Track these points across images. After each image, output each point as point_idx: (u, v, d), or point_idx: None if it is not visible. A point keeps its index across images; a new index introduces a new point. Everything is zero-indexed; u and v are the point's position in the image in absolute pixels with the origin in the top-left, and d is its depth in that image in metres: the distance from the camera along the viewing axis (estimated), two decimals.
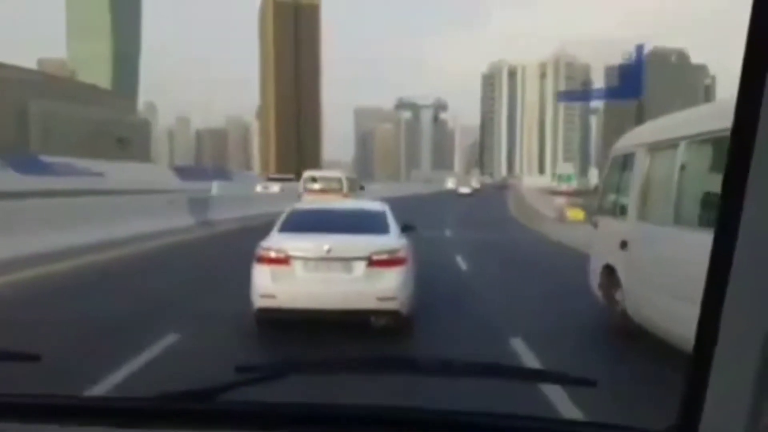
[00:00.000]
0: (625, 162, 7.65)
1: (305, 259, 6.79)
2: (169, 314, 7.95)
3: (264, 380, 1.40)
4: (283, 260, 6.78)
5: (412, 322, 6.99)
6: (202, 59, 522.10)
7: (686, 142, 5.97)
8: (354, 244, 6.94)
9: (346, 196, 24.14)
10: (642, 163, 6.97)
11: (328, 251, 6.75)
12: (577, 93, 61.91)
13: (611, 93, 54.96)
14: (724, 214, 0.97)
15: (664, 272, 6.12)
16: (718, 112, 5.57)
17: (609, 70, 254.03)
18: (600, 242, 8.34)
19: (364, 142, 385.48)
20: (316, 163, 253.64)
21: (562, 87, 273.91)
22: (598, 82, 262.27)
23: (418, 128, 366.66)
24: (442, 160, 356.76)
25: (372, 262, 6.73)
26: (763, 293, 0.93)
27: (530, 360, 6.08)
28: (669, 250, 6.10)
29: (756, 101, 0.90)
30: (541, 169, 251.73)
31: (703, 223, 5.31)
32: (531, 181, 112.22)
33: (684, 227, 5.75)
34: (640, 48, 51.26)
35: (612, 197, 8.19)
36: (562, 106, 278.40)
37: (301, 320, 6.80)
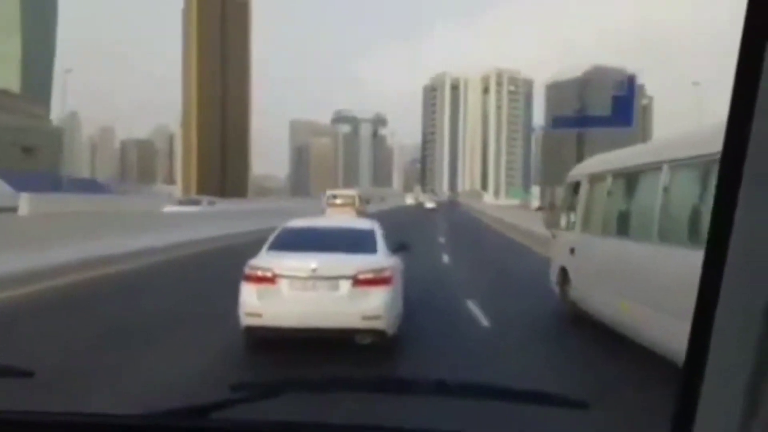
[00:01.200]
0: (575, 188, 10.09)
1: (291, 278, 6.85)
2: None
3: (257, 399, 1.39)
4: (270, 279, 6.86)
5: (398, 342, 7.07)
6: (126, 63, 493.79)
7: (611, 175, 8.57)
8: (340, 263, 7.01)
9: (357, 209, 32.38)
10: (584, 189, 9.57)
11: (314, 270, 6.81)
12: (570, 119, 61.82)
13: (603, 121, 51.05)
14: (717, 224, 0.98)
15: (598, 271, 8.55)
16: (635, 153, 8.70)
17: (550, 88, 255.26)
18: (556, 249, 10.85)
19: (299, 156, 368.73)
20: (242, 179, 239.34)
21: (505, 102, 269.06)
22: (540, 98, 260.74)
23: (356, 143, 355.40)
24: (381, 176, 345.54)
25: (357, 281, 6.79)
26: (753, 311, 0.93)
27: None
28: (600, 254, 8.57)
29: (746, 118, 0.93)
30: (484, 187, 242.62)
31: (622, 233, 7.92)
32: (489, 200, 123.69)
33: (609, 237, 8.33)
34: (631, 79, 49.14)
35: (565, 214, 10.65)
36: (504, 122, 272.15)
37: (287, 339, 6.86)
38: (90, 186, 67.55)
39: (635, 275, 7.11)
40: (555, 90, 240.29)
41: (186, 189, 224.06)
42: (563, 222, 10.68)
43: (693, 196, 6.16)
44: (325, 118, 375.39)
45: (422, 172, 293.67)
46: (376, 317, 6.76)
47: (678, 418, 1.03)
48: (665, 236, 6.40)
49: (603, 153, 10.32)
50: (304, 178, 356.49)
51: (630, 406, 5.04)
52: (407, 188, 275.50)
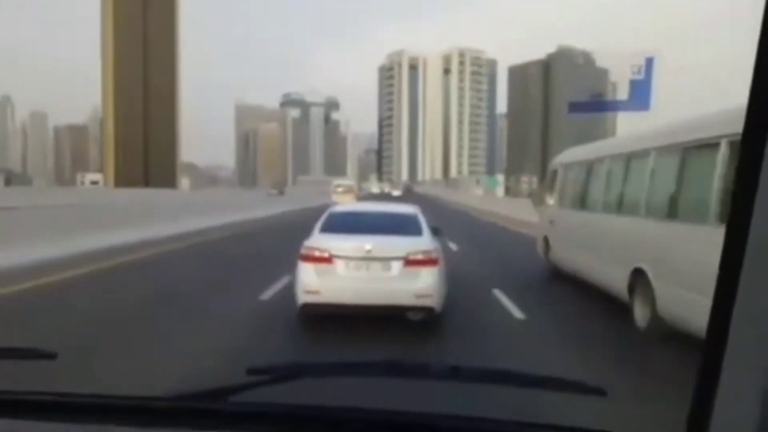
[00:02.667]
0: (554, 174, 13.39)
1: (347, 258, 7.30)
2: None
3: (275, 382, 1.42)
4: (327, 259, 7.32)
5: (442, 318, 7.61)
6: (56, 42, 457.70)
7: (577, 164, 11.81)
8: (392, 244, 7.46)
9: (356, 195, 57.44)
10: (560, 175, 12.82)
11: (369, 251, 7.27)
12: (588, 104, 47.09)
13: (620, 106, 42.52)
14: (735, 216, 0.98)
15: (569, 236, 11.44)
16: (592, 149, 11.77)
17: (513, 70, 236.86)
18: (541, 222, 14.16)
19: (246, 143, 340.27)
20: (169, 168, 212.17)
21: (468, 84, 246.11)
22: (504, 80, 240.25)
23: (306, 129, 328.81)
24: (334, 165, 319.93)
25: (409, 262, 7.27)
26: None
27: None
28: (571, 223, 11.50)
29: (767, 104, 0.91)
30: (446, 175, 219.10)
31: (584, 207, 10.93)
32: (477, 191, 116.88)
33: (576, 210, 11.33)
34: (650, 62, 39.62)
35: (547, 195, 13.67)
36: (467, 105, 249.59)
37: (343, 314, 7.31)
38: None
39: (591, 237, 10.21)
40: (518, 73, 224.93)
41: (107, 178, 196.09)
42: (546, 201, 13.87)
43: (629, 180, 8.98)
44: (274, 102, 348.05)
45: (378, 160, 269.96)
46: (427, 295, 7.23)
47: (695, 410, 1.04)
48: (609, 208, 9.53)
49: (572, 147, 14.53)
50: (252, 166, 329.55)
51: (647, 395, 5.14)
52: (362, 178, 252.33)
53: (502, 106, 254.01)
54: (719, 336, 0.98)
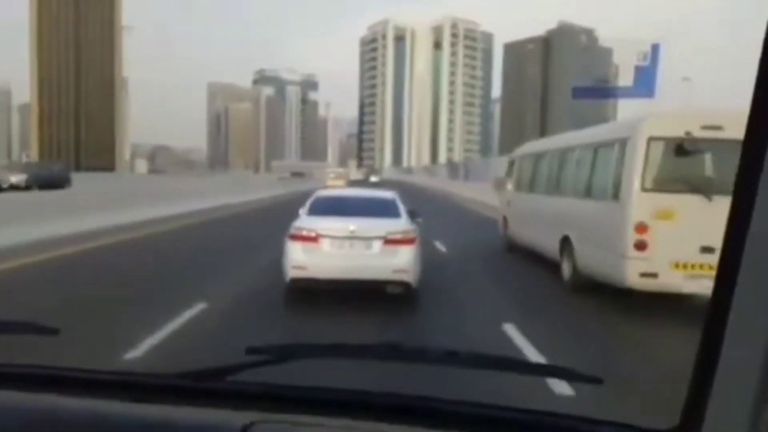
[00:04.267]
0: (512, 163, 16.23)
1: (332, 237, 8.17)
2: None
3: (274, 362, 1.44)
4: (313, 238, 8.16)
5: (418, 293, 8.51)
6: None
7: (528, 156, 14.69)
8: (373, 225, 8.34)
9: (346, 180, 62.50)
10: (516, 164, 15.59)
11: (352, 231, 8.13)
12: (592, 89, 44.79)
13: (625, 92, 41.10)
14: (734, 216, 0.98)
15: (522, 214, 14.12)
16: (540, 143, 15.71)
17: (510, 47, 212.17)
18: (501, 204, 16.60)
19: (217, 124, 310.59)
20: (107, 150, 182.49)
21: (460, 59, 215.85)
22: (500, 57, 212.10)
23: (282, 108, 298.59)
24: (311, 149, 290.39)
25: (388, 241, 8.15)
26: None
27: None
28: (522, 204, 14.27)
29: None
30: (434, 161, 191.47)
31: (533, 190, 13.42)
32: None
33: (526, 193, 14.03)
34: (656, 48, 38.75)
35: (507, 180, 16.14)
36: (460, 83, 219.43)
37: (327, 288, 8.23)
38: None
39: (535, 214, 12.78)
40: (515, 50, 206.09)
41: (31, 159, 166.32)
42: (505, 185, 16.24)
43: (561, 169, 11.71)
44: (249, 81, 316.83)
45: (359, 144, 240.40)
46: (404, 271, 8.10)
47: (691, 399, 1.06)
48: (548, 191, 12.29)
49: (531, 141, 17.53)
50: (223, 149, 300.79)
51: (643, 385, 5.31)
52: (342, 164, 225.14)
53: (498, 86, 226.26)
54: (717, 325, 1.00)
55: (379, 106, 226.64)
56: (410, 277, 8.13)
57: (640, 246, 8.01)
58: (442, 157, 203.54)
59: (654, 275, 7.97)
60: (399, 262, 8.05)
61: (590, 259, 9.31)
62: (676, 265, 7.93)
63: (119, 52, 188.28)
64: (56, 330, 1.59)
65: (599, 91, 45.53)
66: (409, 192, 38.58)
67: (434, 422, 1.27)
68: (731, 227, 1.00)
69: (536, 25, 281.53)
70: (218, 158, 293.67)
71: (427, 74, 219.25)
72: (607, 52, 44.60)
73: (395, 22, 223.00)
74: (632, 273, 8.05)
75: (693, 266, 7.90)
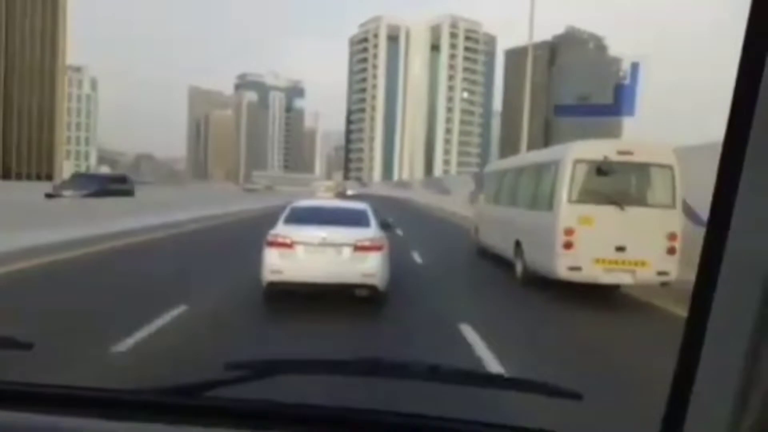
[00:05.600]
0: (482, 179, 22.45)
1: (306, 244, 9.02)
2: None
3: (252, 378, 1.46)
4: (288, 245, 8.99)
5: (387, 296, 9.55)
6: None
7: (495, 172, 18.50)
8: (343, 233, 9.20)
9: (337, 193, 72.72)
10: (488, 179, 19.19)
11: (324, 239, 9.03)
12: (573, 108, 47.86)
13: (606, 110, 42.14)
14: (714, 220, 1.00)
15: (488, 223, 17.30)
16: (504, 162, 20.05)
17: (510, 54, 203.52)
18: (474, 215, 20.90)
19: (197, 132, 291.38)
20: (46, 157, 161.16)
21: (460, 62, 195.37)
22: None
23: (265, 116, 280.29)
24: (296, 160, 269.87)
25: (357, 248, 9.01)
26: (749, 306, 0.96)
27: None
28: (488, 214, 17.52)
29: (750, 104, 0.94)
30: (428, 173, 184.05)
31: (497, 203, 16.67)
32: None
33: (491, 205, 17.44)
34: (635, 67, 38.82)
35: (481, 193, 20.25)
36: (458, 89, 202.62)
37: (301, 291, 9.12)
38: None
39: (497, 222, 15.74)
40: (517, 57, 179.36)
41: None
42: (478, 198, 20.80)
43: (516, 185, 14.66)
44: (231, 87, 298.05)
45: (346, 155, 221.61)
46: (371, 275, 9.00)
47: (670, 412, 1.08)
48: (507, 202, 15.23)
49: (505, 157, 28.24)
50: (202, 158, 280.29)
51: (622, 398, 5.45)
52: (328, 176, 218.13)
53: (500, 94, 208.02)
54: (695, 339, 1.02)
55: (369, 112, 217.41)
56: (377, 281, 9.10)
57: (568, 245, 10.39)
58: (438, 170, 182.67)
59: (579, 269, 10.34)
60: (367, 267, 8.98)
61: (534, 257, 12.01)
62: (597, 261, 10.29)
63: (63, 40, 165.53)
64: (30, 345, 1.60)
65: (581, 110, 46.47)
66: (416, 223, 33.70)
67: None
68: (710, 236, 1.02)
69: (540, 31, 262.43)
70: (198, 167, 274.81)
71: (422, 79, 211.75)
72: (615, 61, 46.10)
73: (389, 20, 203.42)
74: (562, 267, 10.47)
75: (609, 261, 10.25)
